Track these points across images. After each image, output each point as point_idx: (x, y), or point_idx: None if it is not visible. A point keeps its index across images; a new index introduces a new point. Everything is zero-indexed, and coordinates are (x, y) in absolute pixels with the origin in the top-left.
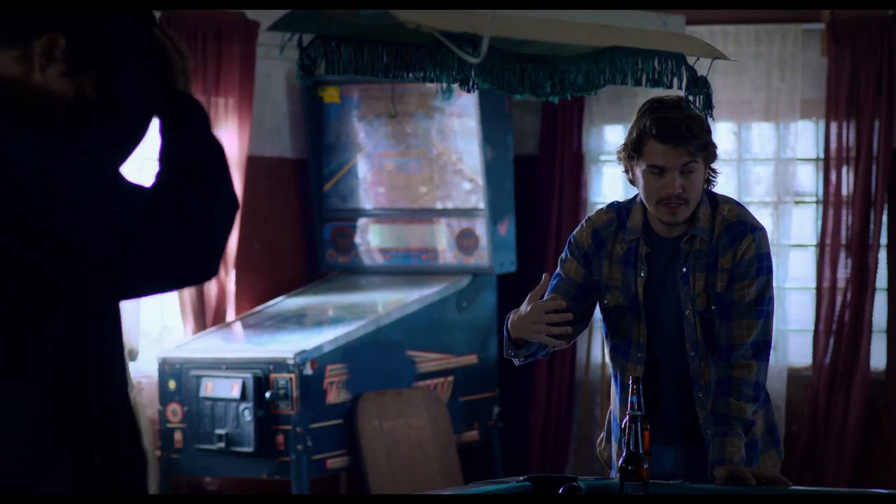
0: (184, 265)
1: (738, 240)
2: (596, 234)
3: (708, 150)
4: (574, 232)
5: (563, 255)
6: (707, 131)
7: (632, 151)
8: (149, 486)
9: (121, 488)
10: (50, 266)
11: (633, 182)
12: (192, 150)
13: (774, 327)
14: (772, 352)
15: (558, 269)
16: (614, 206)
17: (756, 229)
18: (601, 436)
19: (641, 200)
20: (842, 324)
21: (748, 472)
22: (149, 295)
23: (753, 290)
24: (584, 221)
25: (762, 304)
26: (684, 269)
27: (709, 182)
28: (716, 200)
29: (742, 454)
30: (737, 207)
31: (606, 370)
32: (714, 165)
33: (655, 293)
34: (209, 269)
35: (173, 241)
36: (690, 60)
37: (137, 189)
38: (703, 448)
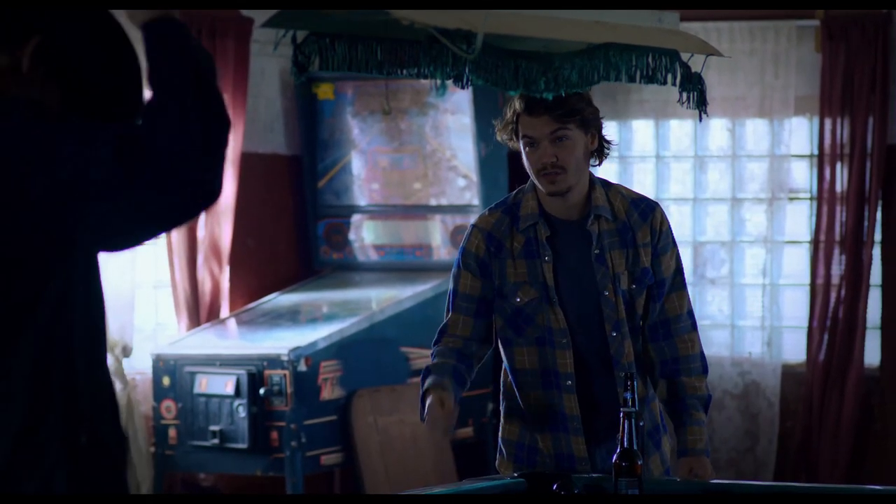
0: (179, 187)
1: (649, 213)
2: (490, 238)
3: (581, 116)
4: (462, 243)
5: (455, 270)
6: (578, 99)
7: (512, 133)
8: (129, 470)
9: (107, 471)
10: (37, 238)
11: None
12: (169, 64)
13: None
14: (766, 348)
15: (452, 286)
16: (500, 206)
17: (658, 204)
18: (498, 457)
19: (532, 187)
20: (836, 320)
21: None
22: (151, 235)
23: (674, 262)
24: (469, 230)
25: (682, 274)
26: (597, 251)
27: (601, 153)
28: (607, 183)
29: (705, 439)
30: (627, 187)
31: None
32: (709, 161)
33: (566, 277)
34: (206, 186)
35: (161, 162)
36: (684, 57)
37: (110, 128)
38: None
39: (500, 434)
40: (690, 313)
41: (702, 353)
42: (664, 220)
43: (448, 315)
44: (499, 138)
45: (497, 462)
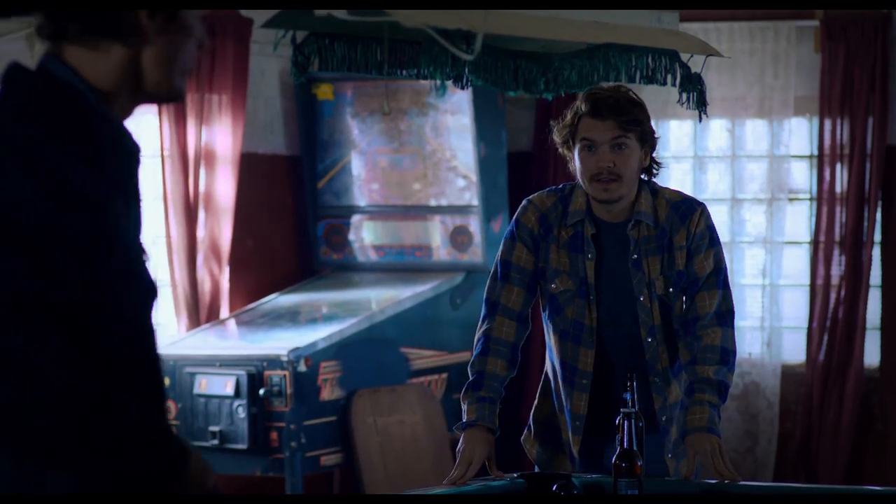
0: None
1: (688, 215)
2: (544, 219)
3: (641, 129)
4: (517, 215)
5: (508, 241)
6: (641, 111)
7: (568, 135)
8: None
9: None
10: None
11: (573, 171)
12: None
13: (769, 324)
14: (766, 348)
15: (506, 257)
16: (557, 190)
17: (701, 204)
18: (525, 432)
19: (581, 186)
20: (836, 321)
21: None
22: None
23: (711, 261)
24: (526, 205)
25: (720, 275)
26: (635, 256)
27: (650, 171)
28: (655, 188)
29: (705, 417)
30: (676, 190)
31: None
32: (708, 162)
33: (605, 277)
34: None
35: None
36: (684, 57)
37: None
38: (659, 435)
39: (532, 410)
40: (720, 313)
41: (724, 348)
42: (701, 220)
43: (497, 284)
44: (555, 138)
45: (523, 437)
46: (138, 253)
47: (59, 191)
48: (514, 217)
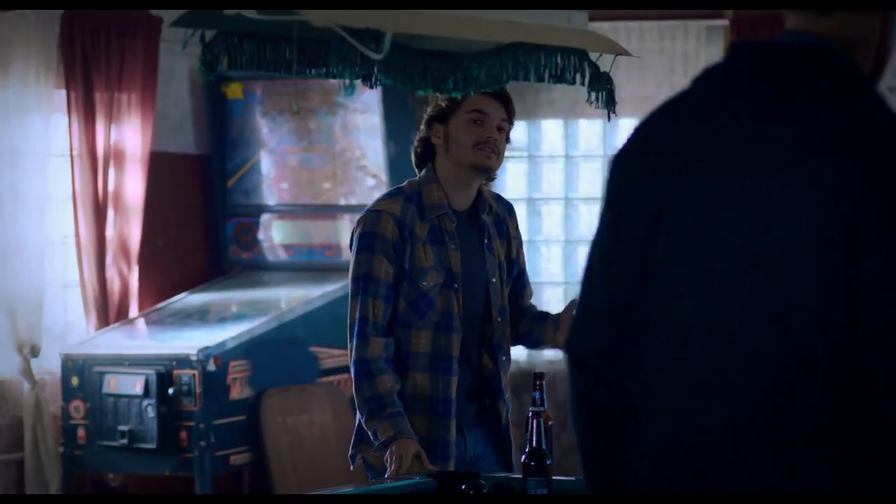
0: None
1: (512, 209)
2: (401, 223)
3: (511, 126)
4: (371, 228)
5: (365, 254)
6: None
7: (447, 108)
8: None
9: None
10: None
11: (434, 149)
12: None
13: None
14: None
15: (364, 272)
16: (398, 194)
17: None
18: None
19: (433, 179)
20: None
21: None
22: None
23: (524, 257)
24: (377, 215)
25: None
26: (487, 241)
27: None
28: None
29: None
30: None
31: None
32: None
33: (465, 265)
34: None
35: None
36: (593, 56)
37: None
38: (500, 419)
39: (359, 423)
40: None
41: None
42: (516, 217)
43: (360, 300)
44: (437, 104)
45: (360, 449)
46: None
47: None
48: (366, 230)
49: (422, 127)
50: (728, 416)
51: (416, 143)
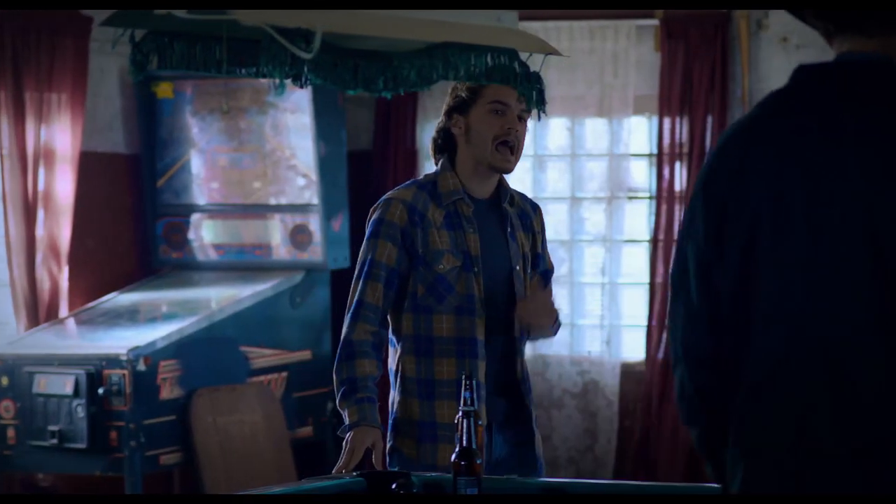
0: None
1: (536, 208)
2: (412, 209)
3: (529, 116)
4: (379, 214)
5: (371, 240)
6: None
7: (468, 98)
8: None
9: None
10: None
11: (454, 140)
12: None
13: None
14: (605, 346)
15: (368, 256)
16: (413, 184)
17: None
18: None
19: (449, 167)
20: None
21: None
22: None
23: (550, 259)
24: (388, 202)
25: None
26: (509, 229)
27: None
28: None
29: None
30: None
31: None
32: (548, 160)
33: (486, 250)
34: None
35: None
36: (524, 56)
37: None
38: (526, 409)
39: (395, 415)
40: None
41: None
42: (543, 218)
43: (359, 284)
44: (457, 95)
45: (395, 442)
46: None
47: None
48: (376, 217)
49: (441, 118)
50: (847, 397)
51: (435, 134)
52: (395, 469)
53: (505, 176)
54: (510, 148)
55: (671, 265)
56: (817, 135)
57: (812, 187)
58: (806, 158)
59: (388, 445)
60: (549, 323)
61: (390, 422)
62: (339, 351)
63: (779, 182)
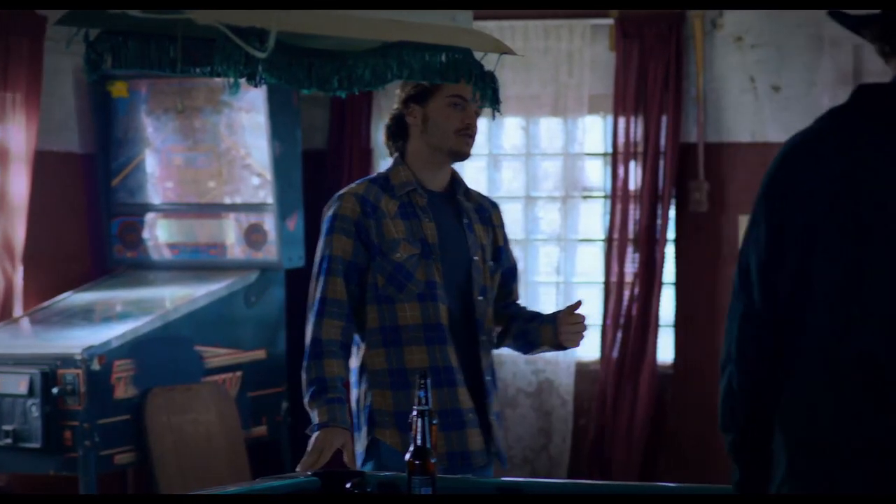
0: None
1: (495, 203)
2: (364, 201)
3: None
4: (332, 210)
5: (327, 237)
6: None
7: (424, 91)
8: None
9: None
10: None
11: (407, 129)
12: None
13: None
14: None
15: (325, 253)
16: (367, 179)
17: None
18: (375, 430)
19: (401, 162)
20: (629, 318)
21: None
22: None
23: (513, 255)
24: (340, 197)
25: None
26: (466, 221)
27: None
28: None
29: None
30: None
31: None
32: (503, 159)
33: (443, 239)
34: None
35: None
36: (478, 55)
37: None
38: (485, 401)
39: (370, 407)
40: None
41: None
42: (501, 215)
43: (320, 281)
44: (403, 90)
45: (375, 434)
46: None
47: None
48: (330, 214)
49: (396, 105)
50: (892, 401)
51: (389, 121)
52: (374, 462)
53: (459, 175)
54: (471, 136)
55: (735, 267)
56: (874, 150)
57: (868, 199)
58: (863, 171)
59: (365, 440)
60: (581, 339)
61: (364, 416)
62: (307, 349)
63: (836, 192)
